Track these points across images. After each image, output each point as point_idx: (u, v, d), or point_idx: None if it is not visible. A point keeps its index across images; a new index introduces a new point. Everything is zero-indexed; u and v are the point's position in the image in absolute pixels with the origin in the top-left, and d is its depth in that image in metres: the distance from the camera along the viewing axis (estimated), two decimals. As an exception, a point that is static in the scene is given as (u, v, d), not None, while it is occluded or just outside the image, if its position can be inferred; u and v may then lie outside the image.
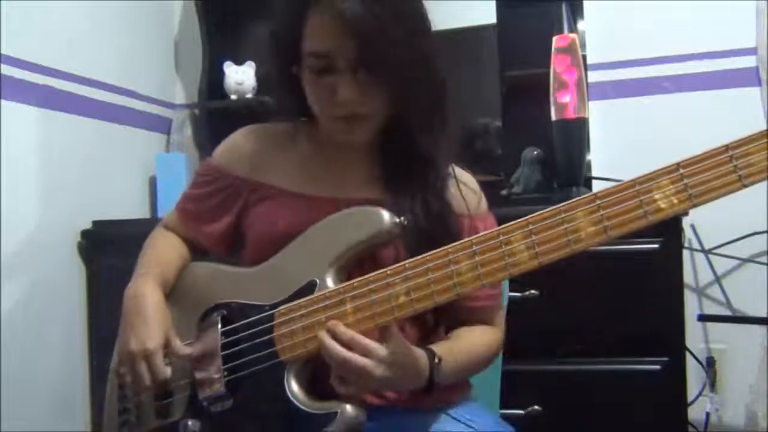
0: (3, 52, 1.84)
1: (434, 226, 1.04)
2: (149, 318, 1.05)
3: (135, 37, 2.42)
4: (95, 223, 2.12)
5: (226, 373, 1.02)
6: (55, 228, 2.02)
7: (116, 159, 2.29)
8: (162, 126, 2.54)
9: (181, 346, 1.05)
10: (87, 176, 2.13)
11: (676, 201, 0.82)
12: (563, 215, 0.86)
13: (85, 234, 2.10)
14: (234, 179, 1.14)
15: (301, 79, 1.04)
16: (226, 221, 1.15)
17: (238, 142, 1.17)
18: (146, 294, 1.08)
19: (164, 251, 1.17)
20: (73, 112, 2.10)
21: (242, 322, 1.03)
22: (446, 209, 1.07)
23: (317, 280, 0.99)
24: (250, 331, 1.02)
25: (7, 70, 1.86)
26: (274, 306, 1.01)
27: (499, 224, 0.91)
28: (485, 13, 2.23)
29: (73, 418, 2.00)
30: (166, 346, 1.04)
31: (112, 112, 2.26)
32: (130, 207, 2.33)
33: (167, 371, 1.03)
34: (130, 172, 2.36)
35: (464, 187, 1.12)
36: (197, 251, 1.20)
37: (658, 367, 1.74)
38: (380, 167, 1.11)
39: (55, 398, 1.98)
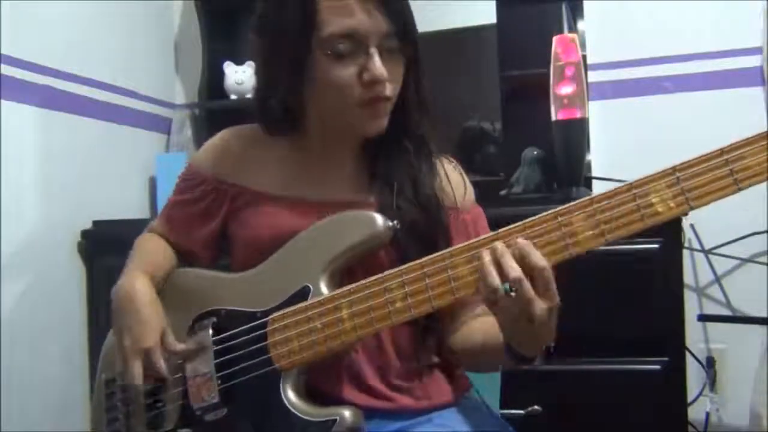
0: (3, 52, 1.84)
1: (426, 223, 1.03)
2: (144, 315, 1.03)
3: (135, 37, 2.42)
4: (95, 223, 2.12)
5: (219, 381, 1.00)
6: (55, 228, 2.02)
7: (116, 159, 2.29)
8: (162, 126, 2.54)
9: (175, 343, 1.03)
10: (87, 176, 2.13)
11: (673, 204, 0.82)
12: (560, 219, 0.85)
13: (85, 234, 2.10)
14: (217, 184, 1.12)
15: (308, 72, 0.99)
16: (211, 227, 1.13)
17: (218, 145, 1.15)
18: (137, 290, 1.05)
19: (152, 252, 1.15)
20: (73, 112, 2.10)
21: (235, 330, 1.01)
22: (437, 204, 1.06)
23: (310, 286, 0.97)
24: (243, 339, 1.00)
25: (7, 70, 1.86)
26: (267, 312, 0.99)
27: (499, 224, 0.90)
28: (485, 13, 2.22)
29: (73, 418, 2.00)
30: (162, 342, 1.02)
31: (112, 112, 2.26)
32: (130, 207, 2.33)
33: (165, 371, 1.02)
34: (130, 172, 2.36)
35: (452, 179, 1.10)
36: (183, 258, 1.17)
37: (658, 367, 1.73)
38: (365, 167, 1.09)
39: (55, 398, 1.98)
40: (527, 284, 0.81)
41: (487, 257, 0.84)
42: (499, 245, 0.84)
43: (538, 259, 0.82)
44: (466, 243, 0.90)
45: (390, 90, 1.00)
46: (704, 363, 2.15)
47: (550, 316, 0.83)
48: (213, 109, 2.44)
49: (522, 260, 0.82)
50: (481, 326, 1.05)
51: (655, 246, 1.74)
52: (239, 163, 1.12)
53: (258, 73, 1.11)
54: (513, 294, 0.82)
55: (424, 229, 1.02)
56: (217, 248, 1.16)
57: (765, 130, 0.79)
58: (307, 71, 1.00)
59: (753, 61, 2.19)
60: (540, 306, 0.82)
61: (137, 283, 1.07)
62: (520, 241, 0.83)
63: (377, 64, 0.96)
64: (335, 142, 1.09)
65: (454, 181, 1.10)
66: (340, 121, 1.04)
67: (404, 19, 0.99)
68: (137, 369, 1.02)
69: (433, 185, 1.07)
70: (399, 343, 1.05)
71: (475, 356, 1.06)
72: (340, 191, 1.07)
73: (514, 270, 0.81)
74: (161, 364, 1.02)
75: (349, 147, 1.09)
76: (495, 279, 0.82)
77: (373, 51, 0.97)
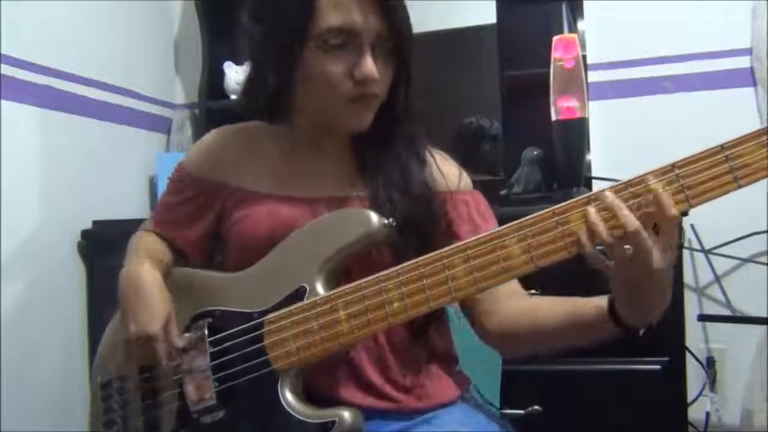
0: (3, 52, 1.84)
1: (419, 214, 1.02)
2: (149, 301, 1.02)
3: (135, 37, 2.42)
4: (95, 223, 2.12)
5: (216, 383, 0.99)
6: (55, 228, 2.02)
7: (116, 159, 2.29)
8: (162, 126, 2.54)
9: (176, 336, 1.03)
10: (87, 176, 2.14)
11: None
12: (559, 217, 0.84)
13: (85, 234, 2.10)
14: (208, 184, 1.11)
15: (299, 63, 0.99)
16: (202, 227, 1.12)
17: (209, 145, 1.14)
18: (143, 276, 1.05)
19: (150, 246, 1.14)
20: (73, 112, 2.10)
21: (231, 331, 1.00)
22: (429, 194, 1.05)
23: (307, 286, 0.96)
24: (239, 340, 0.99)
25: (7, 70, 1.86)
26: (263, 313, 0.98)
27: (499, 224, 0.90)
28: (485, 13, 2.22)
29: (73, 418, 2.00)
30: (165, 331, 1.02)
31: (112, 112, 2.26)
32: (130, 207, 2.33)
33: (165, 358, 1.01)
34: (130, 172, 2.36)
35: (443, 165, 1.10)
36: (176, 257, 1.16)
37: (658, 367, 1.73)
38: (355, 162, 1.09)
39: (55, 398, 1.98)
40: (644, 234, 0.79)
41: (593, 210, 0.81)
42: (609, 197, 0.80)
43: (669, 205, 0.79)
44: (462, 243, 0.89)
45: (378, 88, 1.00)
46: (704, 363, 2.15)
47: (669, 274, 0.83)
48: (213, 109, 2.43)
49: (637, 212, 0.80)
50: (538, 307, 1.03)
51: (655, 246, 1.73)
52: (229, 162, 1.11)
53: (250, 58, 1.10)
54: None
55: (417, 222, 1.02)
56: (210, 249, 1.15)
57: (757, 128, 0.78)
58: (299, 62, 0.99)
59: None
60: (658, 257, 0.80)
61: (143, 270, 1.06)
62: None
63: (369, 63, 0.97)
64: (323, 138, 1.09)
65: (445, 168, 1.10)
66: (324, 117, 1.04)
67: (401, 22, 1.00)
68: (138, 354, 1.02)
69: (423, 177, 1.06)
70: (397, 338, 1.04)
71: (529, 339, 1.03)
72: (331, 187, 1.07)
73: (632, 222, 0.79)
74: (161, 349, 1.01)
75: (338, 142, 1.09)
76: (602, 231, 0.80)
77: (366, 49, 0.97)
